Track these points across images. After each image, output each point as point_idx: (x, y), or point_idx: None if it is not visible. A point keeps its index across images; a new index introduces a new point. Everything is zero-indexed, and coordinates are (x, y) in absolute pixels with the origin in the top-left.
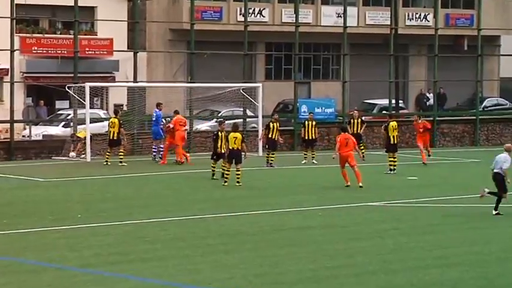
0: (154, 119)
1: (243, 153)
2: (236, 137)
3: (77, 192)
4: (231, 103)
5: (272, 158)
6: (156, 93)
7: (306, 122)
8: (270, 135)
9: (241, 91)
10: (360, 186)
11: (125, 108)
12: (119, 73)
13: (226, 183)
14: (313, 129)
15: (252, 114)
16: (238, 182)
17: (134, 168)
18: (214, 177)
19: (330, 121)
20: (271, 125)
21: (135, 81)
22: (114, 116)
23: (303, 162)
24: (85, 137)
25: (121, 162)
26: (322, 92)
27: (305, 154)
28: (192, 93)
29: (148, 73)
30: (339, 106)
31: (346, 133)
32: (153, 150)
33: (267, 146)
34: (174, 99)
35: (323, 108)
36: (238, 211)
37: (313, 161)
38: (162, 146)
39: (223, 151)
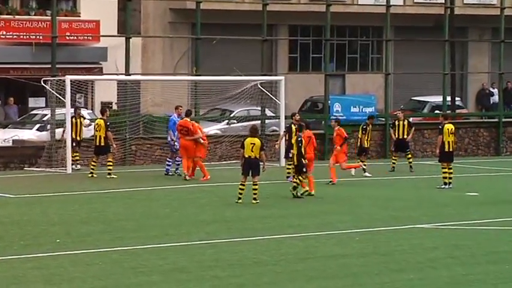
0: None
1: (261, 163)
2: (254, 144)
3: (54, 211)
4: (246, 101)
5: (288, 168)
6: (154, 88)
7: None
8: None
9: (258, 86)
10: (311, 194)
11: (114, 107)
12: (107, 64)
13: (240, 201)
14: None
15: (273, 115)
16: (254, 198)
17: (126, 181)
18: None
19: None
20: (293, 127)
21: (127, 73)
22: (100, 116)
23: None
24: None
25: (109, 174)
26: (360, 86)
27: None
28: (197, 89)
29: (143, 64)
30: (380, 104)
31: (309, 130)
32: (167, 163)
33: (290, 155)
34: (175, 96)
35: (361, 107)
36: (255, 235)
37: (366, 173)
38: (178, 159)
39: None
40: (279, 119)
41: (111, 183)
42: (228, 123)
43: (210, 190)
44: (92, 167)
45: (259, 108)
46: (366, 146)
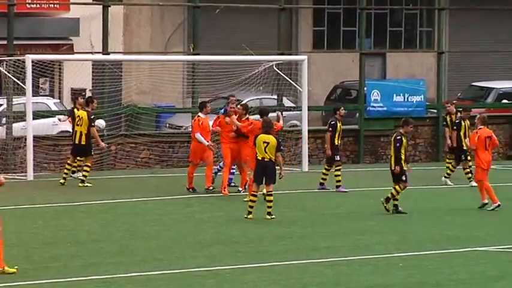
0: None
1: (277, 167)
2: (268, 142)
3: (12, 229)
4: (258, 87)
5: (336, 175)
6: (139, 71)
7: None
8: (335, 141)
9: (274, 68)
10: (238, 191)
11: (89, 94)
12: (80, 39)
13: (250, 216)
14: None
15: (292, 105)
16: (269, 213)
17: (103, 191)
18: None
19: (417, 116)
20: (338, 125)
21: (105, 52)
22: (82, 106)
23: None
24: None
25: (83, 181)
26: (405, 69)
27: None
28: (196, 73)
29: (126, 39)
30: (431, 92)
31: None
32: (217, 167)
33: (337, 158)
34: (167, 81)
35: (406, 95)
36: (269, 260)
37: (447, 180)
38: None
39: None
40: (301, 110)
41: (84, 193)
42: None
43: (212, 202)
44: (65, 171)
45: (276, 97)
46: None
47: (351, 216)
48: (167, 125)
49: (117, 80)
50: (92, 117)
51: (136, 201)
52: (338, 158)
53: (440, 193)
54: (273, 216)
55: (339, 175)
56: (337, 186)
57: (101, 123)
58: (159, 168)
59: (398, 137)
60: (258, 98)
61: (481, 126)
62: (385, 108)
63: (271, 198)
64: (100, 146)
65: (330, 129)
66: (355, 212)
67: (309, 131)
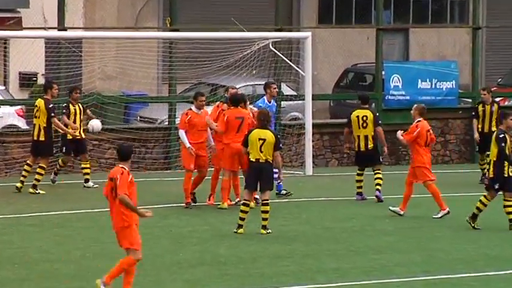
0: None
1: (275, 170)
2: (264, 139)
3: None
4: (250, 71)
5: (378, 180)
6: (104, 51)
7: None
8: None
9: (271, 47)
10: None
11: (41, 79)
12: (30, 12)
13: (241, 230)
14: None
15: (293, 93)
16: (264, 226)
17: (59, 199)
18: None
19: (447, 106)
20: (360, 115)
21: (61, 27)
22: (40, 94)
23: None
24: None
25: (35, 187)
26: (432, 49)
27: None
28: (173, 53)
29: (87, 13)
30: (464, 77)
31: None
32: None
33: (384, 155)
34: (138, 64)
35: (434, 81)
36: (264, 284)
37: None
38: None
39: None
40: (304, 100)
41: (35, 202)
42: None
43: (195, 213)
44: (24, 173)
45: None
46: None
47: (366, 230)
48: (138, 118)
49: (76, 62)
50: (51, 106)
51: (100, 211)
52: (384, 154)
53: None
54: (269, 231)
55: (360, 180)
56: (378, 191)
57: (94, 126)
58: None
59: (501, 135)
60: (250, 85)
61: (420, 118)
62: (407, 97)
63: (267, 208)
64: (73, 131)
65: (348, 121)
66: (371, 226)
67: (314, 125)
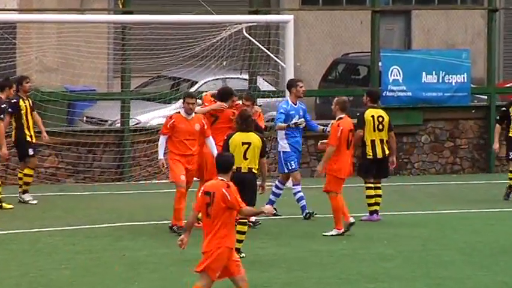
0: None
1: (258, 182)
2: (249, 143)
3: None
4: (220, 62)
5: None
6: (43, 38)
7: None
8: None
9: (244, 34)
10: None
11: None
12: None
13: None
14: None
15: (271, 88)
16: (237, 250)
17: None
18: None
19: (458, 104)
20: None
21: None
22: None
23: None
24: None
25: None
26: (440, 35)
27: None
28: (127, 40)
29: None
30: (478, 69)
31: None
32: (274, 190)
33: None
34: (84, 53)
35: (442, 74)
36: None
37: None
38: (280, 182)
39: None
40: (284, 96)
41: None
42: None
43: (154, 234)
44: None
45: (246, 77)
46: None
47: (358, 254)
48: (85, 118)
49: (9, 51)
50: (3, 106)
51: (39, 232)
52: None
53: (493, 220)
54: (242, 255)
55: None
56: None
57: None
58: (72, 183)
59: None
60: (220, 78)
61: (342, 115)
62: (409, 94)
63: (244, 228)
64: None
65: (357, 122)
66: (365, 249)
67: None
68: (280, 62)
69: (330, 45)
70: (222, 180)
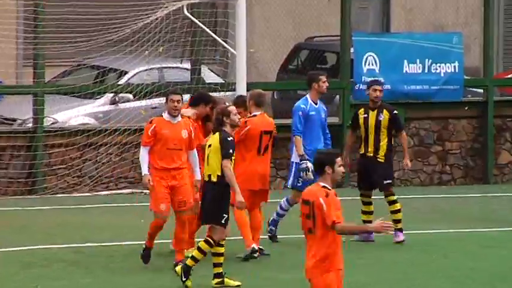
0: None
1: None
2: (211, 145)
3: None
4: (155, 49)
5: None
6: None
7: None
8: (365, 148)
9: (186, 13)
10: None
11: None
12: None
13: (188, 283)
14: None
15: (219, 80)
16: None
17: None
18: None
19: (447, 100)
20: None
21: None
22: None
23: None
24: None
25: None
26: (425, 15)
27: None
28: (40, 22)
29: None
30: (472, 57)
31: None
32: (278, 209)
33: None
34: None
35: (428, 62)
36: None
37: None
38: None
39: None
40: (235, 90)
41: None
42: (115, 101)
43: (75, 260)
44: None
45: (187, 66)
46: None
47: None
48: None
49: None
50: None
51: None
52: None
53: (490, 241)
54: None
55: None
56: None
57: None
58: None
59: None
60: (155, 68)
61: (258, 112)
62: (388, 87)
63: (222, 251)
64: None
65: (352, 123)
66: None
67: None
68: (229, 48)
69: (291, 27)
70: (323, 186)
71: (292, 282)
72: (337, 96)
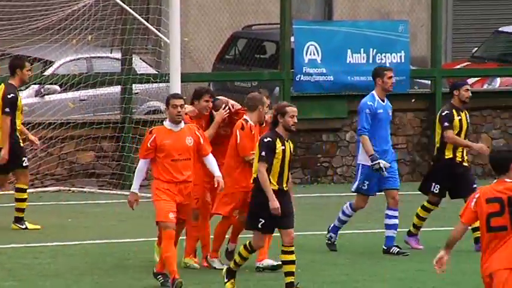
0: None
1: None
2: None
3: None
4: (83, 37)
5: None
6: None
7: None
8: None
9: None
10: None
11: None
12: None
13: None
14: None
15: (152, 71)
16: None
17: None
18: None
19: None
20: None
21: None
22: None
23: None
24: None
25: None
26: (368, 2)
27: None
28: None
29: None
30: (419, 46)
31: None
32: (340, 215)
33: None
34: None
35: (372, 52)
36: None
37: None
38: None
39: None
40: (168, 82)
41: None
42: (40, 93)
43: (24, 275)
44: None
45: (118, 56)
46: None
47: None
48: None
49: None
50: (10, 96)
51: None
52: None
53: (440, 241)
54: None
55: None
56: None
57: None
58: None
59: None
60: (83, 58)
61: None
62: (330, 78)
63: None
64: (35, 144)
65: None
66: (273, 279)
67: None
68: (162, 36)
69: (228, 15)
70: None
71: None
72: (277, 88)
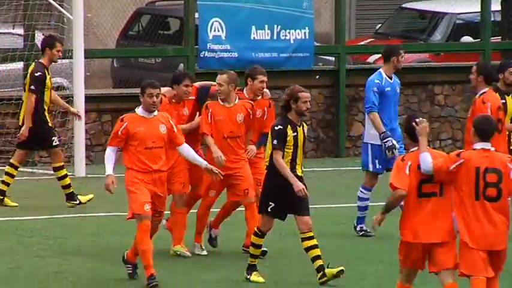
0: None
1: None
2: None
3: None
4: None
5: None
6: None
7: None
8: None
9: None
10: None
11: None
12: None
13: (251, 279)
14: None
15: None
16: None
17: None
18: None
19: (297, 68)
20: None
21: None
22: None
23: None
24: None
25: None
26: None
27: None
28: None
29: None
30: (322, 24)
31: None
32: (358, 203)
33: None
34: None
35: (277, 29)
36: None
37: None
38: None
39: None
40: (71, 58)
41: None
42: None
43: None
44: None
45: (20, 32)
46: None
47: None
48: None
49: None
50: (38, 74)
51: None
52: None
53: (343, 218)
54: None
55: None
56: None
57: None
58: None
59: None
60: None
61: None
62: (235, 54)
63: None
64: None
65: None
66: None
67: (88, 98)
68: (65, 12)
69: None
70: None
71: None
72: (181, 65)
